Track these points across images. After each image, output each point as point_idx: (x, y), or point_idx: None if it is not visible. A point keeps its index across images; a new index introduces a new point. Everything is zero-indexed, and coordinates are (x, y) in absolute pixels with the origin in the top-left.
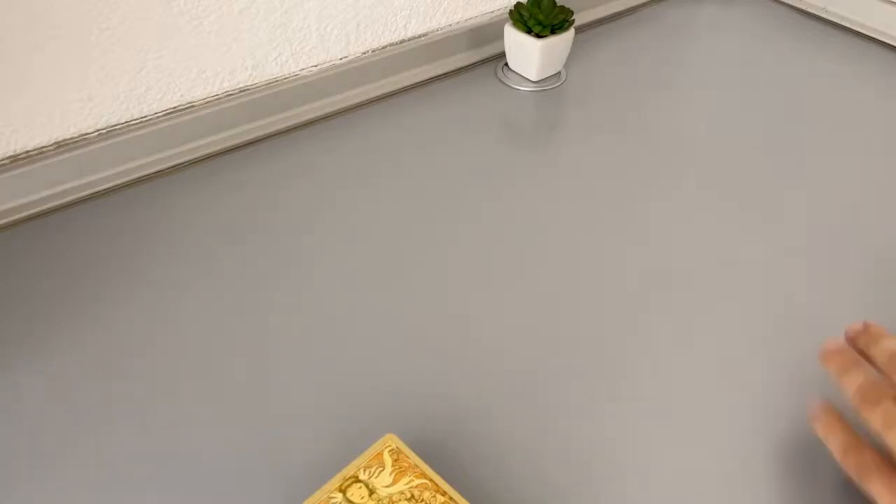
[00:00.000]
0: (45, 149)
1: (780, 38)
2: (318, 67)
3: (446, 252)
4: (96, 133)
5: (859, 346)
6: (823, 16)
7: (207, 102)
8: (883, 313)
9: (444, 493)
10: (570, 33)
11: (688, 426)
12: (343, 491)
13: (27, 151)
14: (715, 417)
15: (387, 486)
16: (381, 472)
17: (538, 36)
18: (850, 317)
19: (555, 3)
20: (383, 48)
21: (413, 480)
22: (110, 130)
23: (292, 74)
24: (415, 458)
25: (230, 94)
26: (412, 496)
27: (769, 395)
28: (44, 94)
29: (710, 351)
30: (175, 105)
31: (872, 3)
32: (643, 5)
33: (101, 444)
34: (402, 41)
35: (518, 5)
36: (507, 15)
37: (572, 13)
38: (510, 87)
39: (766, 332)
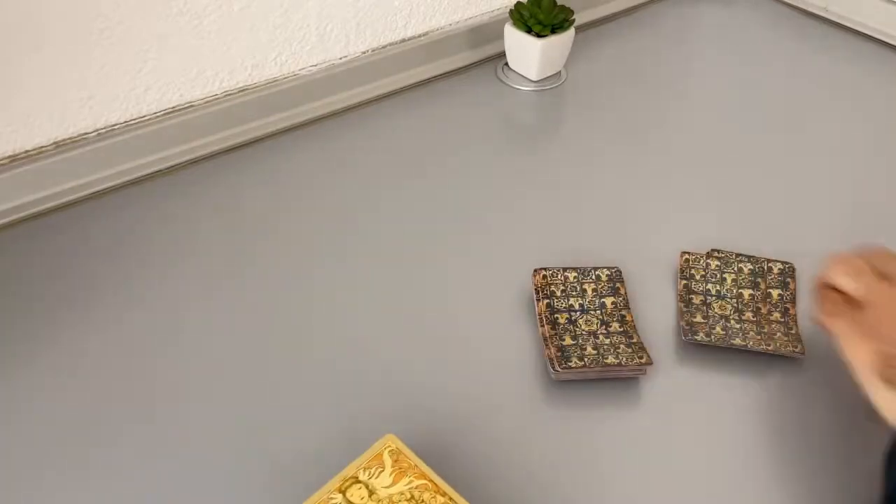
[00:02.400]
0: (44, 149)
1: (781, 37)
2: (317, 67)
3: (447, 251)
4: (96, 133)
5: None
6: (824, 15)
7: (207, 102)
8: None
9: (443, 494)
10: (570, 33)
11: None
12: (343, 491)
13: (27, 151)
14: None
15: (386, 487)
16: (380, 472)
17: (538, 35)
18: None
19: (555, 2)
20: (383, 48)
21: (413, 481)
22: (110, 130)
23: (292, 74)
24: (415, 459)
25: (230, 94)
26: (412, 497)
27: None
28: (44, 93)
29: None
30: (175, 105)
31: (873, 3)
32: (643, 5)
33: (100, 444)
34: (402, 41)
35: (518, 5)
36: (508, 15)
37: (572, 13)
38: (510, 86)
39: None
